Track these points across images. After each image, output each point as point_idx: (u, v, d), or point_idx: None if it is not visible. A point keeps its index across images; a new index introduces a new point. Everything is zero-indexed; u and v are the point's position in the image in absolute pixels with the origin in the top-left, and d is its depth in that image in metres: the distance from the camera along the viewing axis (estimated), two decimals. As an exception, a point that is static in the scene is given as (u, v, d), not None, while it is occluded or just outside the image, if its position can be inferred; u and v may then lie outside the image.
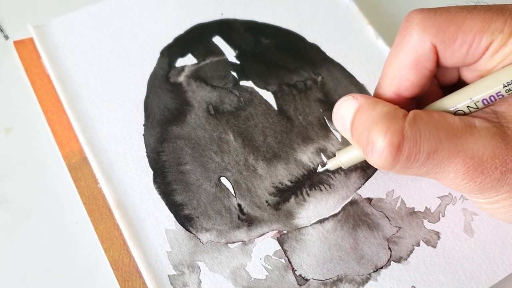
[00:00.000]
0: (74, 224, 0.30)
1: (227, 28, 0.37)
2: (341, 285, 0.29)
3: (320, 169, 0.32)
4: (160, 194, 0.30)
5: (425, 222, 0.31)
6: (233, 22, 0.38)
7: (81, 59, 0.34)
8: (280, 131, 0.33)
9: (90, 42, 0.35)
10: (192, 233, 0.29)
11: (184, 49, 0.36)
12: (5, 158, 0.31)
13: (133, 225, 0.29)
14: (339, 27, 0.38)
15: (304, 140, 0.33)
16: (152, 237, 0.29)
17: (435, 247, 0.30)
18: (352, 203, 0.31)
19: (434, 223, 0.31)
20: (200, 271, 0.28)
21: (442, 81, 0.30)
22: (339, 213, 0.31)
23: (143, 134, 0.32)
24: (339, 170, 0.32)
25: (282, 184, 0.31)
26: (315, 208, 0.31)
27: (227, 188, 0.31)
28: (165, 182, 0.31)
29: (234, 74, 0.35)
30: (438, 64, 0.27)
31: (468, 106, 0.26)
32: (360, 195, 0.31)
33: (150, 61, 0.35)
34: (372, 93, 0.31)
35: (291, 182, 0.31)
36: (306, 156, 0.32)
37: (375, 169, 0.32)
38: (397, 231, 0.30)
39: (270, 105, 0.34)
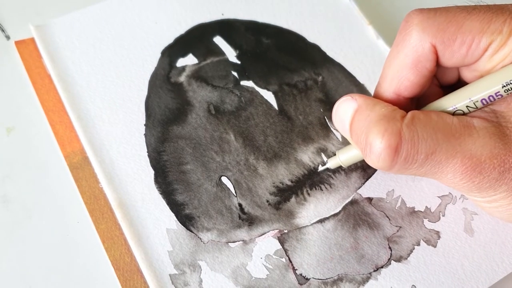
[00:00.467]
0: (76, 223, 0.30)
1: (228, 28, 0.37)
2: (342, 284, 0.29)
3: (320, 168, 0.32)
4: (161, 193, 0.30)
5: (426, 221, 0.31)
6: (234, 22, 0.38)
7: (82, 59, 0.34)
8: (281, 130, 0.33)
9: (91, 42, 0.35)
10: (193, 233, 0.29)
11: (185, 49, 0.36)
12: (6, 158, 0.32)
13: (134, 224, 0.29)
14: (339, 27, 0.38)
15: (304, 140, 0.33)
16: (153, 236, 0.29)
17: (435, 246, 0.30)
18: (353, 202, 0.31)
19: (434, 222, 0.31)
20: (201, 270, 0.28)
21: (442, 81, 0.30)
22: (339, 212, 0.31)
23: (144, 134, 0.32)
24: (339, 169, 0.32)
25: (282, 184, 0.31)
26: (315, 208, 0.31)
27: (228, 188, 0.31)
28: (166, 182, 0.31)
29: (235, 74, 0.35)
30: (437, 64, 0.27)
31: (467, 106, 0.26)
32: (360, 195, 0.31)
33: (151, 61, 0.35)
34: (372, 93, 0.31)
35: (291, 181, 0.31)
36: (307, 155, 0.32)
37: (375, 169, 0.32)
38: (398, 231, 0.30)
39: (271, 105, 0.34)
